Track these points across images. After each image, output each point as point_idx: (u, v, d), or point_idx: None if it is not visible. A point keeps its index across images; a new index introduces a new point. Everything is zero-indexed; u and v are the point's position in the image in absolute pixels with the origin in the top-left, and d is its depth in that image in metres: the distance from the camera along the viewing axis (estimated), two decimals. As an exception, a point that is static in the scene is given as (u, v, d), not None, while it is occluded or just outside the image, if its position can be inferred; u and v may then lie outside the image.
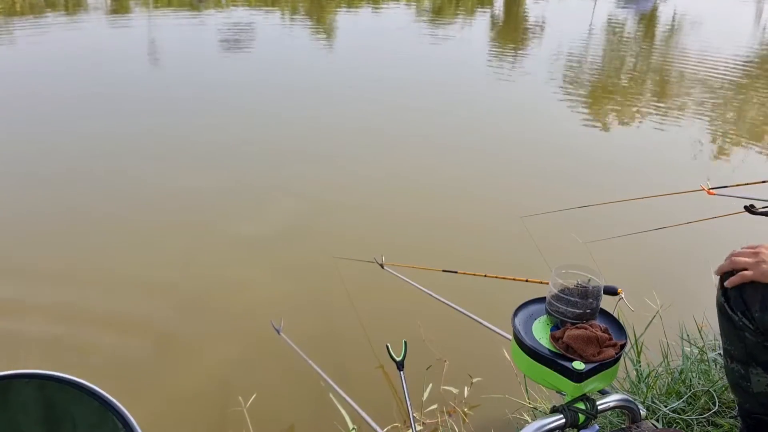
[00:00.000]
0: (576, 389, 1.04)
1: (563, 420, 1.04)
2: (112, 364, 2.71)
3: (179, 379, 2.66)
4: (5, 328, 2.92)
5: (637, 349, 2.08)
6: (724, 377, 1.81)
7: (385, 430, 2.04)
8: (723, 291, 1.29)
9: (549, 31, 11.90)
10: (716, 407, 1.70)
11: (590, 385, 1.05)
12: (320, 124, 5.81)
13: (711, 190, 2.47)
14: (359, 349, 2.82)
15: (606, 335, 1.06)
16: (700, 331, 2.22)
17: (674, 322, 2.27)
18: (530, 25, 12.92)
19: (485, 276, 2.56)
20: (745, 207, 1.85)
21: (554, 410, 1.06)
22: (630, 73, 8.82)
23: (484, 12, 14.60)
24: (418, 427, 2.20)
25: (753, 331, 1.23)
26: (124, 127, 5.53)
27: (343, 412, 2.15)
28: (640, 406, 1.18)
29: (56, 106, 6.10)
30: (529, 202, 4.09)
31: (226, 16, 11.58)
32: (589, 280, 1.11)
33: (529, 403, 2.07)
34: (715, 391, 1.76)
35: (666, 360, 2.09)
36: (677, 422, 1.70)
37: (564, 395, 1.07)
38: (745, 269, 1.22)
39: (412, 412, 1.68)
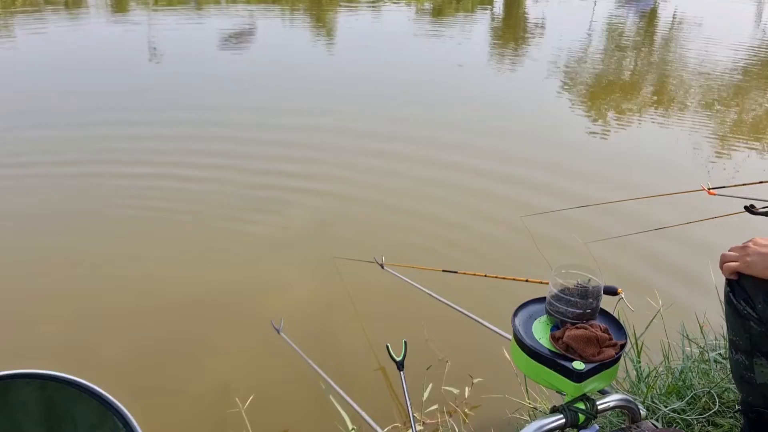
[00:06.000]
0: (576, 389, 1.04)
1: (563, 420, 1.05)
2: (112, 364, 2.71)
3: (179, 379, 2.66)
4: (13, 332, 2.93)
5: (637, 349, 2.08)
6: (725, 377, 1.82)
7: (386, 430, 2.04)
8: (728, 281, 1.31)
9: (549, 30, 11.89)
10: (716, 407, 1.70)
11: (590, 385, 1.05)
12: (319, 123, 5.81)
13: (711, 190, 2.47)
14: (359, 349, 2.82)
15: (606, 335, 1.06)
16: (701, 330, 2.22)
17: (675, 322, 2.27)
18: (530, 25, 12.93)
19: (485, 276, 2.57)
20: (745, 207, 1.86)
21: (554, 410, 1.07)
22: (630, 72, 8.82)
23: (484, 12, 14.60)
24: (419, 428, 2.20)
25: (757, 320, 1.25)
26: (123, 125, 5.53)
27: (343, 412, 2.15)
28: (640, 406, 1.18)
29: (57, 104, 6.11)
30: (529, 201, 4.10)
31: (225, 15, 11.58)
32: (589, 280, 1.11)
33: (529, 403, 2.07)
34: (715, 390, 1.76)
35: (666, 360, 2.09)
36: (677, 422, 1.70)
37: (564, 395, 1.07)
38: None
39: (412, 413, 1.68)
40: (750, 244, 1.26)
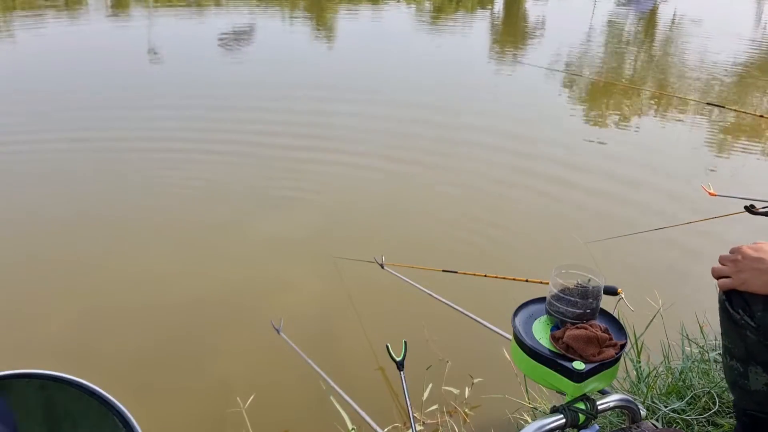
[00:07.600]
0: (576, 389, 1.04)
1: (563, 420, 1.05)
2: (112, 363, 2.71)
3: (179, 378, 2.66)
4: (13, 331, 2.93)
5: (637, 349, 2.08)
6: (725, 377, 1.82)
7: (386, 430, 2.04)
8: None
9: (549, 30, 11.89)
10: (716, 407, 1.70)
11: (590, 385, 1.05)
12: (319, 123, 5.81)
13: (711, 191, 2.47)
14: (359, 349, 2.82)
15: (606, 335, 1.06)
16: (701, 330, 2.22)
17: (675, 322, 2.27)
18: (530, 24, 12.93)
19: (485, 276, 2.57)
20: (745, 207, 1.85)
21: (554, 410, 1.07)
22: (630, 72, 8.82)
23: (485, 12, 14.60)
24: (419, 428, 2.20)
25: (754, 329, 1.23)
26: (128, 124, 5.53)
27: (343, 412, 2.15)
28: (640, 406, 1.18)
29: (62, 104, 6.11)
30: (529, 201, 4.10)
31: (226, 14, 11.58)
32: (589, 280, 1.11)
33: (529, 403, 2.07)
34: (715, 391, 1.76)
35: (666, 360, 2.09)
36: (677, 422, 1.70)
37: (564, 395, 1.07)
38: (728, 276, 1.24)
39: (412, 413, 1.68)
40: (739, 257, 1.23)
